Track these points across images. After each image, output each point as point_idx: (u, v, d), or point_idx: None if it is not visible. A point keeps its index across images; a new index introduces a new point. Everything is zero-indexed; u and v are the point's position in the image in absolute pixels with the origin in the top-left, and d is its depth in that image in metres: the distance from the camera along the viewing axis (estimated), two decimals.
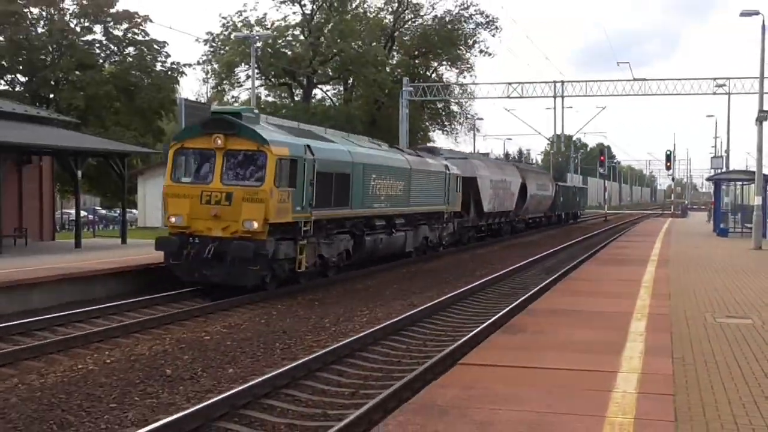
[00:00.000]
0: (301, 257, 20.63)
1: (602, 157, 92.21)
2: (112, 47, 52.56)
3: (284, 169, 19.51)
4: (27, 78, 50.01)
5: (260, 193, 18.98)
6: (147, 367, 12.60)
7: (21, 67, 49.78)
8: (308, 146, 20.82)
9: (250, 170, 19.56)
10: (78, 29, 51.06)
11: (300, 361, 12.47)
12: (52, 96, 49.80)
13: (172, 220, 19.57)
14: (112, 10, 50.98)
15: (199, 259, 19.09)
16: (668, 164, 77.94)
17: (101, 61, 51.89)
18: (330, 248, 22.71)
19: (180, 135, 21.20)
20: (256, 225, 18.81)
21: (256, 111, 21.06)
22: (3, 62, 49.21)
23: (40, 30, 50.35)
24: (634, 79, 57.26)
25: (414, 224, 29.67)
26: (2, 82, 50.32)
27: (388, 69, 67.81)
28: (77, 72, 48.66)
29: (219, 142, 19.35)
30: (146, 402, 10.77)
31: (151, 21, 52.72)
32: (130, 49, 52.49)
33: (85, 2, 50.33)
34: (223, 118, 20.01)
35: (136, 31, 52.20)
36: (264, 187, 19.03)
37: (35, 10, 49.83)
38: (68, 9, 50.68)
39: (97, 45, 51.93)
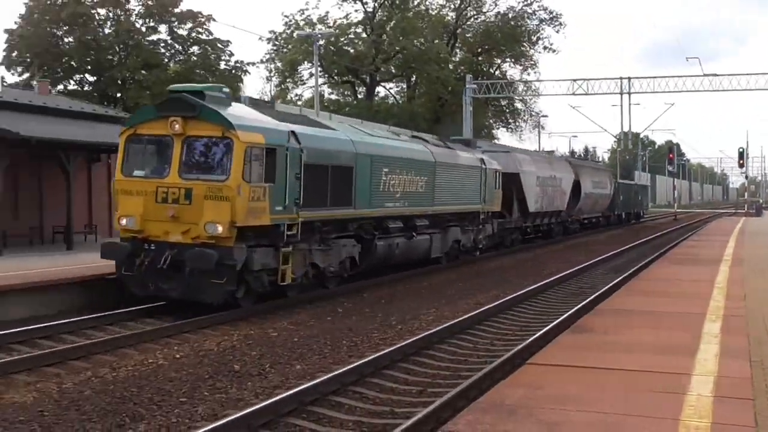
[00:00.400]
0: (285, 267, 17.52)
1: (671, 155, 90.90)
2: (177, 46, 53.19)
3: (257, 160, 16.48)
4: (95, 78, 50.85)
5: (225, 190, 15.99)
6: (215, 363, 12.80)
7: (89, 67, 50.66)
8: (293, 133, 17.75)
9: (213, 161, 16.63)
10: (143, 29, 51.77)
11: (367, 359, 12.56)
12: (119, 95, 50.59)
13: (123, 222, 16.71)
14: (177, 10, 51.59)
15: (153, 269, 16.32)
16: (741, 162, 76.42)
17: (166, 60, 52.54)
18: (327, 256, 19.57)
19: (132, 118, 18.13)
20: (220, 229, 15.85)
21: (227, 90, 18.12)
22: (72, 62, 50.14)
23: (107, 31, 51.14)
24: (704, 75, 56.34)
25: (442, 226, 26.24)
26: (72, 81, 51.27)
27: (451, 66, 67.72)
28: (143, 71, 49.36)
29: (177, 127, 16.37)
30: (215, 397, 10.94)
31: (214, 20, 53.33)
32: (195, 48, 53.06)
33: (150, 3, 51.02)
34: (181, 98, 16.80)
35: (200, 30, 52.76)
36: (229, 182, 16.01)
37: (102, 12, 50.63)
38: (134, 10, 51.41)
39: (162, 44, 52.59)
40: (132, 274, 16.63)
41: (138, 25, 51.52)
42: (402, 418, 9.91)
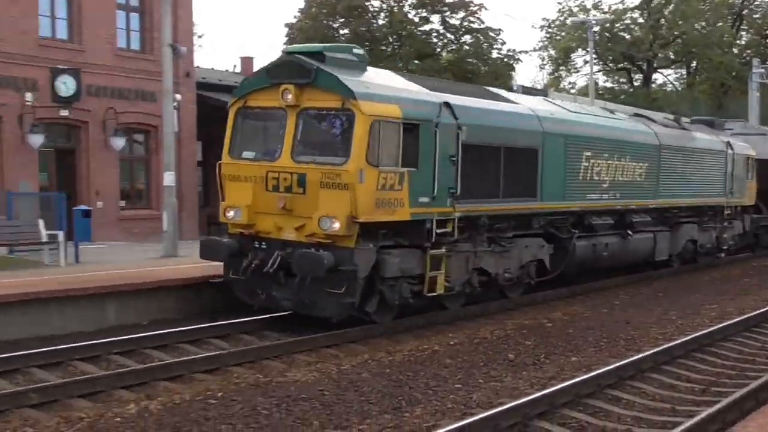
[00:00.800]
0: (436, 274, 14.23)
1: None
2: (449, 36, 54.05)
3: (390, 138, 13.23)
4: None
5: (343, 176, 12.86)
6: (490, 351, 12.92)
7: None
8: (447, 105, 14.42)
9: (331, 139, 13.75)
10: (416, 20, 53.03)
11: (646, 353, 12.24)
12: None
13: (230, 214, 14.02)
14: (449, 0, 52.42)
15: (262, 273, 13.61)
16: None
17: (438, 50, 53.57)
18: (501, 259, 16.06)
19: (241, 87, 14.82)
20: (337, 225, 12.77)
21: (360, 51, 14.57)
22: None
23: (380, 22, 52.83)
24: None
25: (670, 223, 22.17)
26: None
27: (735, 50, 64.57)
28: (416, 61, 50.58)
29: (289, 96, 13.40)
30: (490, 384, 11.02)
31: (485, 9, 53.89)
32: (467, 38, 53.71)
33: None
34: (293, 60, 13.75)
35: (471, 19, 53.32)
36: (348, 165, 12.88)
37: (376, 3, 52.40)
38: (407, 1, 52.80)
39: (435, 34, 53.65)
40: (239, 278, 13.98)
41: (411, 16, 52.81)
42: (683, 417, 9.59)
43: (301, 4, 52.47)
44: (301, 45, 14.18)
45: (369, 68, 14.58)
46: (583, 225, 18.43)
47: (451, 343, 13.48)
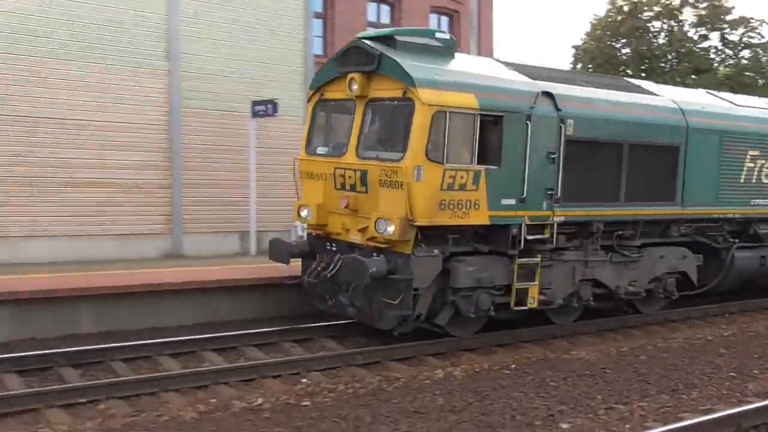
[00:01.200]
0: (526, 286, 11.44)
1: None
2: (728, 51, 51.54)
3: (459, 131, 10.52)
4: None
5: (399, 173, 10.42)
6: (765, 344, 12.35)
7: (644, 75, 51.17)
8: (547, 94, 11.46)
9: (392, 133, 11.07)
10: (695, 37, 51.00)
11: None
12: None
13: (303, 213, 12.06)
14: (729, 17, 50.03)
15: (324, 276, 11.61)
16: None
17: (716, 65, 51.16)
18: (625, 270, 12.79)
19: (317, 77, 12.40)
20: (392, 228, 10.41)
21: (446, 37, 11.65)
22: (628, 71, 51.08)
23: (660, 41, 51.23)
24: None
25: None
26: None
27: None
28: (693, 76, 48.59)
29: (354, 86, 11.11)
30: (766, 376, 10.54)
31: (767, 23, 50.94)
32: (745, 52, 51.01)
33: (703, 13, 50.13)
34: (359, 45, 11.27)
35: (751, 34, 50.62)
36: (404, 162, 10.40)
37: (657, 24, 50.93)
38: (687, 20, 50.89)
39: (713, 50, 51.34)
40: (308, 281, 11.99)
41: (690, 34, 50.95)
42: None
43: (588, 28, 51.99)
44: (371, 32, 11.44)
45: (461, 55, 11.85)
46: (748, 234, 14.85)
47: (725, 334, 12.99)
